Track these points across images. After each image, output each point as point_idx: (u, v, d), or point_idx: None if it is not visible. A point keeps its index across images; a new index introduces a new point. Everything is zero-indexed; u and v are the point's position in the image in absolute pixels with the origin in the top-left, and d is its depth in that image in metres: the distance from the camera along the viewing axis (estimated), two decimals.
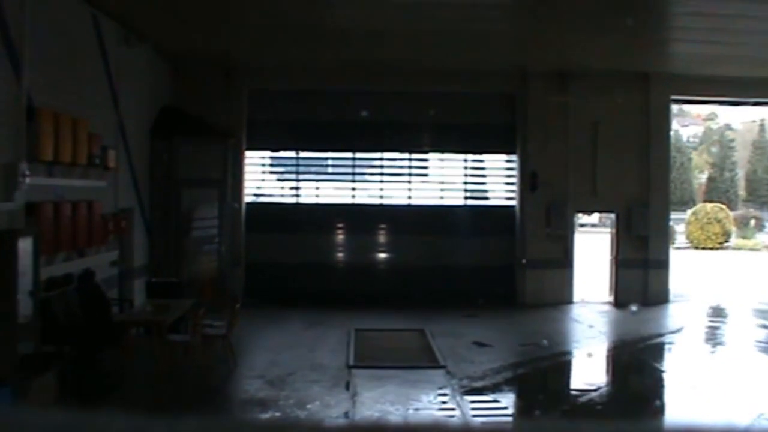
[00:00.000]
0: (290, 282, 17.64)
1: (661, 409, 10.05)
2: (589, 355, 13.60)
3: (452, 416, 9.21)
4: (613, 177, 17.66)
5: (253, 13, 13.15)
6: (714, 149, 52.92)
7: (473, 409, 9.57)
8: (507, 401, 10.53)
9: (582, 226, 25.23)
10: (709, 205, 39.36)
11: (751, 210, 44.38)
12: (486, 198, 19.01)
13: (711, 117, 56.85)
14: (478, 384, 10.76)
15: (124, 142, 13.82)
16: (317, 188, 18.79)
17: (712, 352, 14.35)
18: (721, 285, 22.23)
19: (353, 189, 18.64)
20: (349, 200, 18.53)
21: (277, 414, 9.16)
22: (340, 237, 18.59)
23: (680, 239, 36.35)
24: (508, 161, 18.66)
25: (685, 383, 11.19)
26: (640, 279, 17.77)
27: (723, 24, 13.21)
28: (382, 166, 18.82)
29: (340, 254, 18.59)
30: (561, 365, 12.76)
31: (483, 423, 8.61)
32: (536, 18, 13.49)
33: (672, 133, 20.81)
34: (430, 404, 9.80)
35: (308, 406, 9.55)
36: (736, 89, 17.95)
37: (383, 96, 18.06)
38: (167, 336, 11.09)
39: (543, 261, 17.59)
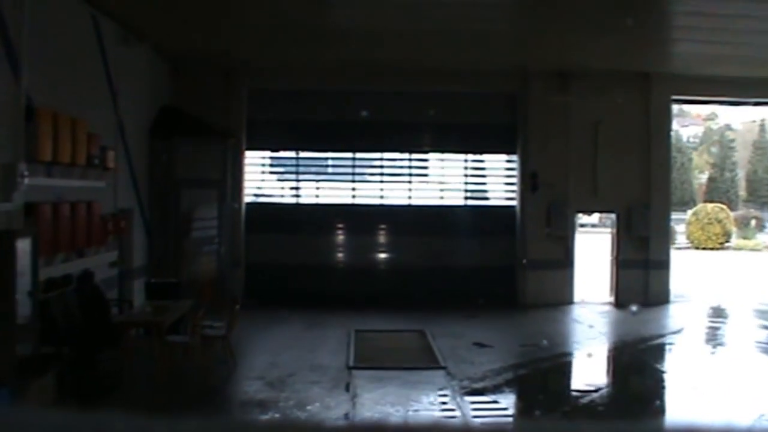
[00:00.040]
0: (290, 282, 17.61)
1: (661, 410, 10.02)
2: (590, 355, 13.57)
3: (453, 417, 9.18)
4: (613, 177, 17.63)
5: (253, 13, 13.12)
6: (714, 149, 52.90)
7: (474, 410, 9.54)
8: (507, 402, 10.50)
9: (582, 226, 25.19)
10: (709, 206, 39.35)
11: (752, 210, 44.38)
12: (486, 198, 18.98)
13: (711, 117, 56.83)
14: (479, 385, 10.74)
15: (124, 142, 13.80)
16: (317, 188, 18.77)
17: (713, 353, 14.32)
18: (722, 285, 22.21)
19: (353, 189, 18.62)
20: (349, 200, 18.50)
21: (277, 415, 9.12)
22: (340, 237, 18.56)
23: (681, 239, 36.33)
24: (508, 161, 18.64)
25: (686, 384, 11.17)
26: (640, 279, 17.74)
27: (724, 24, 13.19)
28: (382, 166, 18.79)
29: (340, 255, 18.57)
30: (561, 366, 12.73)
31: (483, 424, 8.57)
32: (536, 18, 13.47)
33: (672, 133, 20.77)
34: (430, 405, 9.78)
35: (308, 407, 9.53)
36: (737, 89, 17.94)
37: (383, 96, 18.03)
38: (167, 337, 11.06)
39: (543, 261, 17.56)
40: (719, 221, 37.28)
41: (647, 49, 15.64)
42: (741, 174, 50.97)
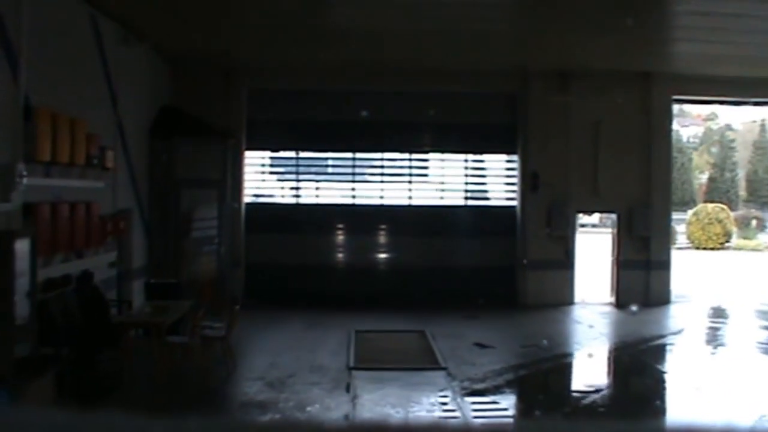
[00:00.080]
0: (290, 283, 17.58)
1: (662, 411, 10.00)
2: (590, 356, 13.55)
3: (453, 418, 9.15)
4: (614, 177, 17.61)
5: (253, 13, 13.10)
6: (714, 149, 52.89)
7: (474, 410, 9.52)
8: (508, 403, 10.49)
9: (583, 226, 25.16)
10: (710, 206, 39.34)
11: (752, 210, 44.36)
12: (486, 198, 18.96)
13: (711, 117, 56.82)
14: (479, 386, 10.71)
15: (123, 142, 13.77)
16: (317, 188, 18.74)
17: (714, 354, 14.30)
18: (723, 286, 22.19)
19: (353, 189, 18.59)
20: (349, 201, 18.48)
21: (277, 416, 9.09)
22: (340, 237, 18.54)
23: (681, 240, 36.31)
24: (508, 161, 18.62)
25: (687, 384, 11.15)
26: (641, 280, 17.72)
27: (724, 24, 13.17)
28: (382, 167, 18.77)
29: (340, 255, 18.54)
30: (562, 367, 12.71)
31: (484, 425, 8.54)
32: (536, 18, 13.45)
33: (672, 133, 20.75)
34: (431, 406, 9.75)
35: (308, 408, 9.50)
36: (737, 89, 17.92)
37: (383, 96, 18.01)
38: (166, 337, 11.03)
39: (544, 262, 17.54)
40: (720, 221, 37.28)
41: (647, 49, 15.62)
42: (741, 174, 50.96)
